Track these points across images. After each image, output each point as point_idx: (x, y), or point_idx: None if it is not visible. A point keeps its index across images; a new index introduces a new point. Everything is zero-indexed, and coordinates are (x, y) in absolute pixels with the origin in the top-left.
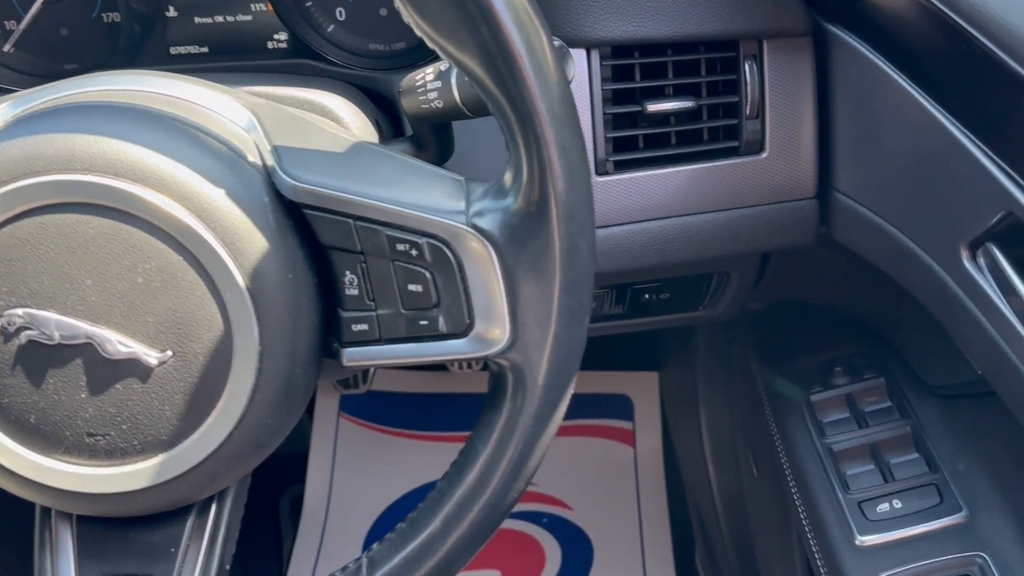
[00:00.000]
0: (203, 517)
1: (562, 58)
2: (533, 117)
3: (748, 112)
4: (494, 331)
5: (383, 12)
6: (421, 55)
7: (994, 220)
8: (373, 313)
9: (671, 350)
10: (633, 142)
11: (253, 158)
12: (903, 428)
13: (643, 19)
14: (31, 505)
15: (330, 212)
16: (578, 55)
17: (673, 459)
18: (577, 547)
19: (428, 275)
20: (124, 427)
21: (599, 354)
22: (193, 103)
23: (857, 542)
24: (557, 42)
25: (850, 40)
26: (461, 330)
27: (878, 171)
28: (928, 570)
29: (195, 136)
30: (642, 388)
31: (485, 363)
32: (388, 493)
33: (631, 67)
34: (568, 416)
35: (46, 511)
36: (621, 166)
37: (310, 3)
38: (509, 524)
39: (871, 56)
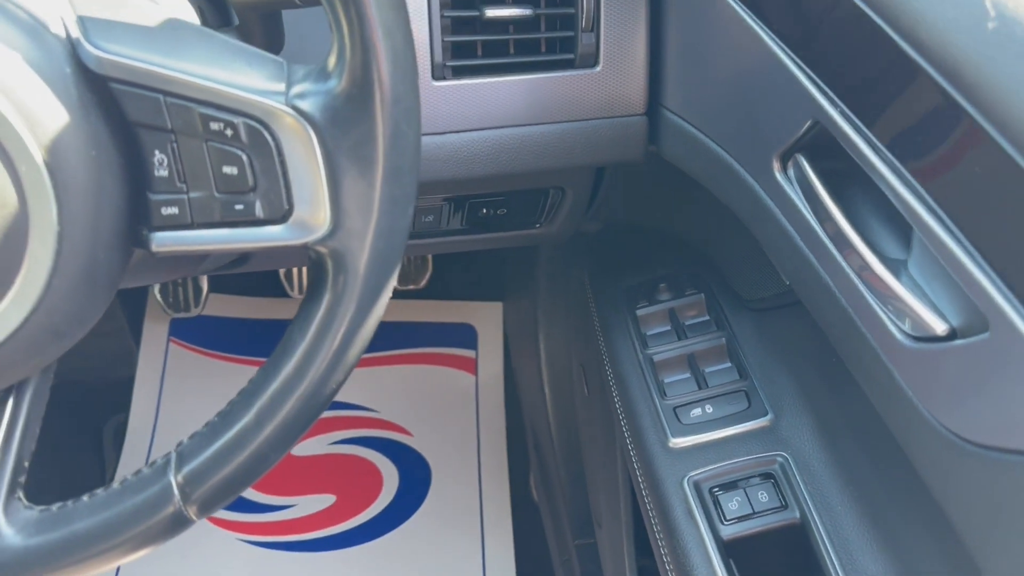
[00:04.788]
0: (3, 404)
1: None
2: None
3: (584, 25)
4: (314, 217)
5: None
6: None
7: (802, 130)
8: (184, 196)
9: (514, 280)
10: (471, 48)
11: (56, 29)
12: (718, 340)
13: None
14: None
15: (138, 86)
16: None
17: (514, 386)
18: (415, 472)
19: (244, 157)
20: None
21: (445, 284)
22: None
23: (670, 444)
24: None
25: None
26: (279, 216)
27: (703, 89)
28: (733, 468)
29: None
30: (486, 317)
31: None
32: None
33: None
34: (412, 344)
35: None
36: (458, 72)
37: None
38: (346, 449)
39: None
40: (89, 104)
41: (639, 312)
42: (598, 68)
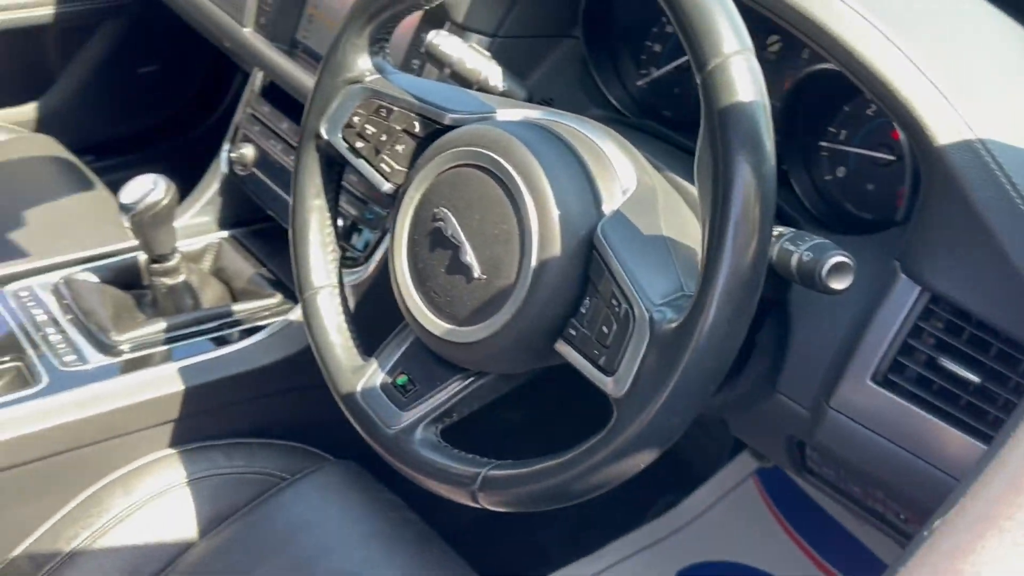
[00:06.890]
0: (466, 379)
1: (837, 271)
2: (712, 287)
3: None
4: (623, 381)
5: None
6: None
7: None
8: (581, 328)
9: None
10: (924, 380)
11: (604, 206)
12: None
13: (989, 304)
14: None
15: (602, 261)
16: (911, 288)
17: None
18: None
19: (615, 327)
20: (448, 299)
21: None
22: (605, 155)
23: None
24: (842, 257)
25: None
26: (609, 370)
27: None
28: None
29: (580, 175)
30: None
31: None
32: None
33: (960, 328)
34: (824, 547)
35: (406, 324)
36: (896, 387)
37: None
38: None
39: None
40: (579, 256)
41: None
42: None
